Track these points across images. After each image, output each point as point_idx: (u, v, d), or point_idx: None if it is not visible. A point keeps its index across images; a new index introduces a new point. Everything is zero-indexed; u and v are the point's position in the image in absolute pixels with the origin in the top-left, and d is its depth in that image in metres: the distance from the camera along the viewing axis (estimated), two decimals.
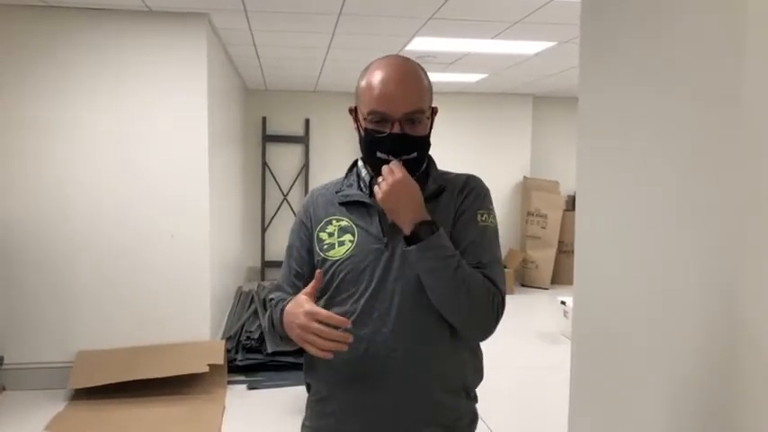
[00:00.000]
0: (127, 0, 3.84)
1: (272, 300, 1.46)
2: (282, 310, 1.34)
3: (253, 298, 5.59)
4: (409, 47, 5.00)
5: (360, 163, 1.49)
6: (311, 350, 1.24)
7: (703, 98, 1.44)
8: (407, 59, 1.41)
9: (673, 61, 1.56)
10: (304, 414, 1.50)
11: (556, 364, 3.79)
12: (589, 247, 2.04)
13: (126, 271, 4.22)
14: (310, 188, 7.59)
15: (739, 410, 1.32)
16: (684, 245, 1.52)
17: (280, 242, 7.51)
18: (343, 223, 1.42)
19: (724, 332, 1.37)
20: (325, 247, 1.41)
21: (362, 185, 1.45)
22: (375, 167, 1.39)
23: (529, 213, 7.86)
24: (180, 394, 3.97)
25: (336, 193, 1.46)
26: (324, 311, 1.24)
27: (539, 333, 5.46)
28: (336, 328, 1.23)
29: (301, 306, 1.26)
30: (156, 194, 4.22)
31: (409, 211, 1.30)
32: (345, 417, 1.38)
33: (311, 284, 1.31)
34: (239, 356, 4.46)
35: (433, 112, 1.43)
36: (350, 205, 1.43)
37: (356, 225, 1.40)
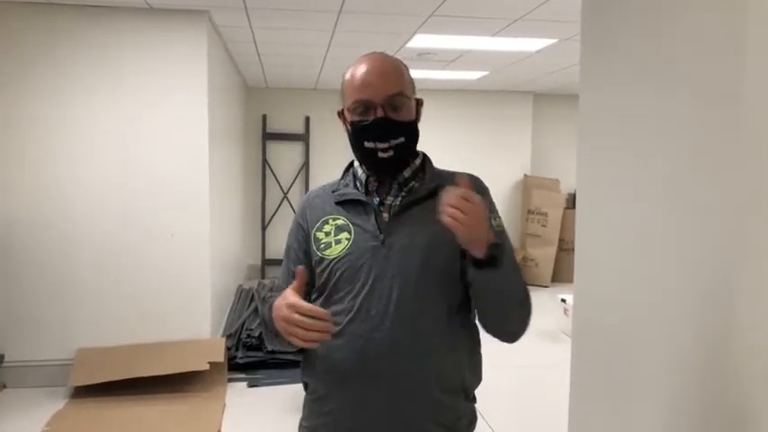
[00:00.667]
0: None
1: (269, 298, 1.47)
2: (272, 306, 1.35)
3: (253, 296, 5.59)
4: (410, 44, 4.99)
5: (356, 163, 1.50)
6: (295, 341, 1.25)
7: (704, 97, 1.44)
8: (387, 54, 1.45)
9: (673, 60, 1.56)
10: (301, 414, 1.50)
11: (556, 363, 3.79)
12: (589, 246, 2.04)
13: (126, 269, 4.22)
14: (311, 186, 7.60)
15: (739, 409, 1.32)
16: (684, 243, 1.52)
17: (280, 240, 7.50)
18: (340, 222, 1.42)
19: (724, 331, 1.37)
20: (322, 246, 1.42)
21: (359, 185, 1.46)
22: (364, 159, 1.42)
23: (529, 211, 7.86)
24: (180, 392, 3.98)
25: (333, 192, 1.47)
26: (305, 304, 1.25)
27: (539, 331, 5.46)
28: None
29: (286, 299, 1.27)
30: (157, 192, 4.21)
31: (485, 234, 1.24)
32: (343, 416, 1.37)
33: (296, 281, 1.32)
34: (240, 354, 4.46)
35: (419, 103, 1.45)
36: (346, 204, 1.44)
37: (352, 223, 1.41)
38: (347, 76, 1.41)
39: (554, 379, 3.55)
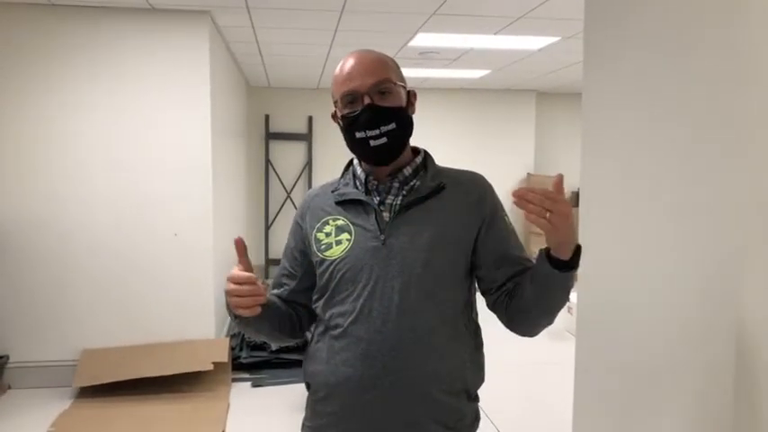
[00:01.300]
0: None
1: None
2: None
3: None
4: (412, 43, 4.98)
5: (355, 161, 1.49)
6: (243, 312, 1.28)
7: (709, 92, 1.44)
8: (370, 49, 1.46)
9: (677, 57, 1.55)
10: (304, 414, 1.50)
11: (560, 361, 3.79)
12: (593, 244, 2.03)
13: (130, 269, 4.23)
14: (313, 185, 7.60)
15: (743, 406, 1.32)
16: (688, 241, 1.51)
17: (283, 240, 7.42)
18: (340, 222, 1.41)
19: (728, 329, 1.36)
20: (323, 247, 1.41)
21: (358, 184, 1.45)
22: (358, 150, 1.41)
23: None
24: (184, 392, 3.98)
25: (333, 192, 1.46)
26: (236, 272, 1.29)
27: (543, 330, 5.45)
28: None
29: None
30: (160, 192, 4.22)
31: (573, 235, 1.22)
32: (345, 416, 1.37)
33: (239, 257, 1.34)
34: (244, 354, 4.46)
35: (411, 94, 1.44)
36: (346, 204, 1.42)
37: (353, 223, 1.40)
38: (334, 74, 1.42)
39: (558, 377, 3.55)
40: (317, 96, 7.82)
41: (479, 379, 1.45)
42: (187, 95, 4.21)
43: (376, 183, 1.42)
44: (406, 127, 1.39)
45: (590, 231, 2.06)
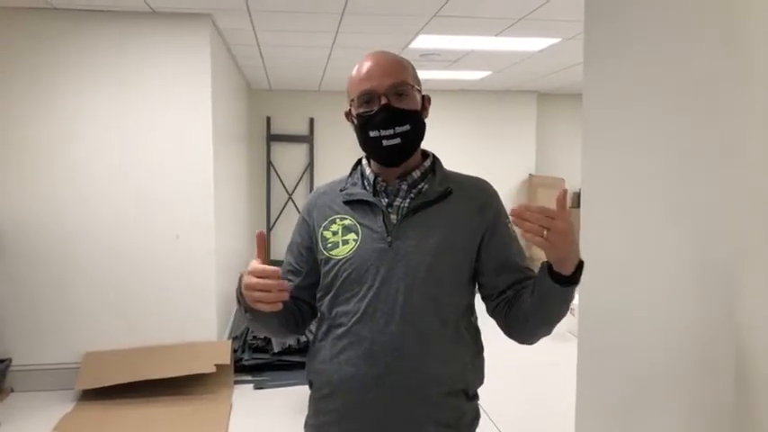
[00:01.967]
0: (130, 1, 3.85)
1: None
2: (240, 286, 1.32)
3: None
4: (413, 45, 4.99)
5: (363, 162, 1.49)
6: (263, 308, 1.25)
7: (709, 93, 1.44)
8: (390, 51, 1.45)
9: (677, 58, 1.56)
10: (307, 412, 1.51)
11: (562, 362, 3.78)
12: (594, 244, 2.03)
13: (132, 271, 4.23)
14: (315, 187, 7.57)
15: (745, 408, 1.32)
16: (689, 242, 1.51)
17: (285, 241, 7.43)
18: (347, 222, 1.42)
19: (729, 330, 1.36)
20: (329, 245, 1.41)
21: (366, 184, 1.45)
22: (370, 149, 1.41)
23: None
24: (187, 394, 3.98)
25: (340, 191, 1.47)
26: (257, 264, 1.26)
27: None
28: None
29: (248, 269, 1.27)
30: (162, 194, 4.23)
31: (574, 253, 1.22)
32: (347, 414, 1.38)
33: (256, 252, 1.32)
34: (246, 356, 4.47)
35: (426, 99, 1.45)
36: (354, 204, 1.43)
37: (360, 224, 1.40)
38: (352, 73, 1.42)
39: (560, 378, 3.54)
40: (319, 98, 7.83)
41: (479, 380, 1.46)
42: (188, 98, 4.22)
43: (384, 184, 1.43)
44: (420, 130, 1.40)
45: (591, 232, 2.06)
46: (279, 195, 7.92)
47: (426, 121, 1.44)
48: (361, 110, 1.39)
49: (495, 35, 4.69)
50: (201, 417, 3.75)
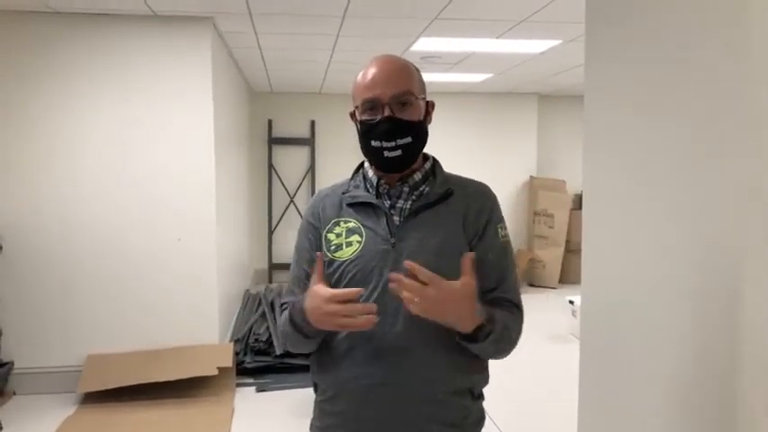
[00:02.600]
0: (132, 5, 3.86)
1: (284, 304, 1.47)
2: (303, 310, 1.34)
3: (260, 300, 5.60)
4: (414, 47, 5.00)
5: (366, 164, 1.50)
6: (354, 328, 1.28)
7: (710, 94, 1.44)
8: (398, 56, 1.45)
9: (678, 59, 1.56)
10: (312, 414, 1.51)
11: (564, 364, 3.78)
12: (596, 246, 2.03)
13: (134, 274, 4.24)
14: (317, 190, 7.57)
15: (747, 411, 1.32)
16: (692, 243, 1.51)
17: (287, 244, 7.52)
18: (351, 224, 1.42)
19: (734, 331, 1.36)
20: (333, 247, 1.42)
21: (369, 187, 1.46)
22: (371, 157, 1.42)
23: (536, 213, 7.85)
24: (189, 397, 3.99)
25: (343, 194, 1.47)
26: (339, 291, 1.29)
27: (547, 333, 5.45)
28: (357, 301, 1.28)
29: (319, 296, 1.29)
30: (163, 197, 4.23)
31: (463, 317, 1.28)
32: (353, 415, 1.38)
33: (316, 274, 1.33)
34: (248, 359, 4.47)
35: (429, 105, 1.45)
36: (357, 206, 1.44)
37: (364, 226, 1.41)
38: (358, 76, 1.42)
39: (562, 380, 3.54)
40: (320, 101, 7.84)
41: (484, 379, 1.47)
42: (190, 101, 4.23)
43: (387, 187, 1.44)
44: (421, 140, 1.42)
45: (593, 234, 2.06)
46: (280, 198, 7.92)
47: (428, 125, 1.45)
48: (365, 117, 1.39)
49: (497, 37, 4.69)
50: (204, 419, 3.75)
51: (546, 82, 7.05)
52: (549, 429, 3.62)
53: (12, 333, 4.12)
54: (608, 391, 1.95)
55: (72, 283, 4.18)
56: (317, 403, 1.48)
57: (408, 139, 1.37)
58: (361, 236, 1.40)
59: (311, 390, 1.52)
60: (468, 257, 1.27)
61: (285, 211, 7.89)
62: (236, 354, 4.44)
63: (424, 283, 1.22)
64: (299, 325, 1.36)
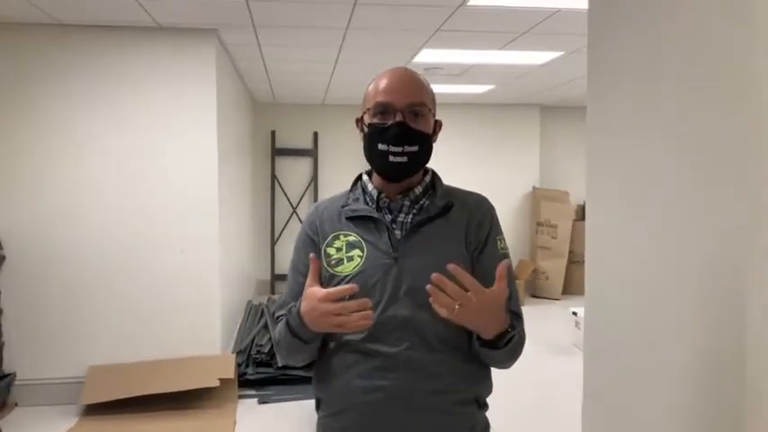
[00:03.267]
0: (137, 17, 3.88)
1: (279, 317, 1.45)
2: (299, 314, 1.32)
3: (263, 311, 5.59)
4: (417, 59, 5.02)
5: (365, 177, 1.50)
6: (350, 330, 1.27)
7: (712, 105, 1.44)
8: (411, 69, 1.47)
9: (680, 69, 1.56)
10: (315, 430, 1.49)
11: (568, 376, 3.76)
12: (600, 257, 2.03)
13: (136, 285, 4.23)
14: (319, 200, 7.56)
15: (754, 423, 1.30)
16: (696, 254, 1.51)
17: (289, 255, 7.46)
18: (351, 238, 1.41)
19: (740, 344, 1.35)
20: (333, 262, 1.40)
21: (369, 200, 1.45)
22: (376, 161, 1.41)
23: (539, 224, 7.84)
24: (191, 408, 3.97)
25: (342, 207, 1.46)
26: (333, 289, 1.27)
27: (551, 344, 5.42)
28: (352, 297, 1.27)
29: (314, 297, 1.28)
30: (166, 208, 4.24)
31: (495, 323, 1.29)
32: (360, 430, 1.37)
33: (310, 277, 1.32)
34: (250, 370, 4.45)
35: (437, 123, 1.46)
36: (357, 220, 1.43)
37: (364, 240, 1.40)
38: (372, 83, 1.43)
39: (566, 392, 3.52)
40: (323, 112, 7.87)
41: (488, 388, 1.46)
42: (194, 112, 4.24)
43: (387, 200, 1.44)
44: (427, 153, 1.42)
45: (596, 244, 2.06)
46: (283, 209, 7.94)
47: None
48: (375, 120, 1.39)
49: (499, 49, 4.71)
50: (206, 431, 3.73)
51: (548, 93, 7.06)
52: None
53: (14, 344, 4.12)
54: (612, 403, 1.94)
55: (74, 294, 4.18)
56: (321, 419, 1.46)
57: (415, 148, 1.38)
58: (362, 250, 1.39)
59: (313, 402, 1.51)
60: (504, 265, 1.26)
61: (288, 221, 7.90)
62: (239, 365, 4.43)
63: (465, 289, 1.20)
64: (296, 330, 1.35)
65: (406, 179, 1.42)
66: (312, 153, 7.95)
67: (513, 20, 3.90)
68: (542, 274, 7.73)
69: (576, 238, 7.52)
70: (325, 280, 1.41)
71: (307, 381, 1.66)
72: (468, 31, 4.16)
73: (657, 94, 1.66)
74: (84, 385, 4.02)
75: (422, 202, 1.44)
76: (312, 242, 1.46)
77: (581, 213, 7.60)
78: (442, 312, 1.21)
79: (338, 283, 1.38)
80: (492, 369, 1.48)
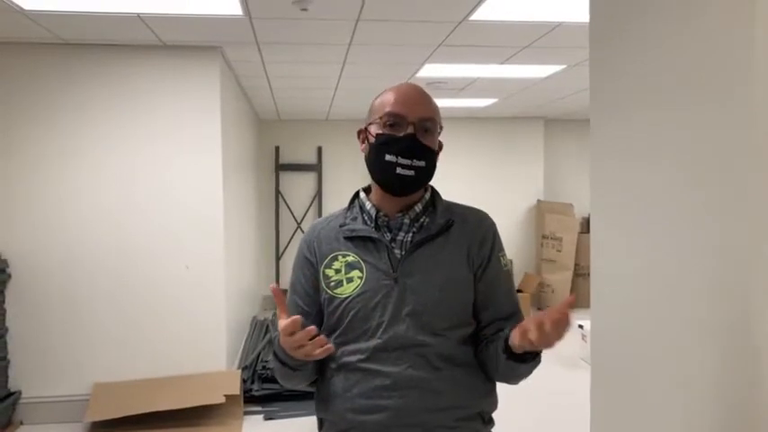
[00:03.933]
0: (141, 35, 3.92)
1: (275, 338, 1.45)
2: (281, 344, 1.32)
3: (268, 327, 5.58)
4: (420, 74, 5.04)
5: (362, 195, 1.47)
6: (314, 357, 1.25)
7: (715, 117, 1.44)
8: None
9: (682, 80, 1.56)
10: None
11: (575, 390, 3.73)
12: (605, 270, 2.02)
13: (141, 302, 4.23)
14: (323, 215, 7.57)
15: None
16: (703, 266, 1.50)
17: None
18: (350, 258, 1.39)
19: (750, 356, 1.34)
20: (333, 284, 1.39)
21: (367, 219, 1.43)
22: (382, 172, 1.38)
23: (544, 236, 7.82)
24: (196, 425, 3.95)
25: (340, 227, 1.43)
26: (285, 323, 1.24)
27: (557, 358, 5.38)
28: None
29: (280, 329, 1.27)
30: (171, 225, 4.25)
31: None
32: None
33: (278, 309, 1.30)
34: (255, 386, 4.43)
35: (440, 145, 1.44)
36: (356, 240, 1.40)
37: (364, 260, 1.38)
38: (381, 96, 1.42)
39: (573, 406, 3.49)
40: (327, 127, 7.91)
41: (493, 403, 1.46)
42: (198, 129, 4.27)
43: (386, 219, 1.41)
44: (432, 170, 1.41)
45: (601, 257, 2.05)
46: (288, 224, 7.95)
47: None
48: (385, 131, 1.37)
49: (502, 63, 4.73)
50: None
51: (552, 106, 7.08)
52: None
53: (19, 362, 4.12)
54: (620, 416, 1.92)
55: (79, 312, 4.18)
56: None
57: (423, 163, 1.36)
58: (361, 271, 1.37)
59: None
60: (572, 298, 1.24)
61: (292, 237, 7.90)
62: (244, 381, 4.41)
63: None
64: (282, 358, 1.34)
65: (409, 194, 1.40)
66: (316, 168, 7.97)
67: (515, 34, 3.92)
68: (548, 287, 7.69)
69: (582, 250, 7.49)
70: (325, 302, 1.40)
71: (313, 397, 1.64)
72: (471, 45, 4.18)
73: (660, 107, 1.66)
74: (89, 402, 4.01)
75: (422, 219, 1.41)
76: (310, 263, 1.44)
77: (586, 226, 7.57)
78: (539, 343, 1.19)
79: (338, 305, 1.37)
80: (497, 384, 1.47)
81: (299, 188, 7.98)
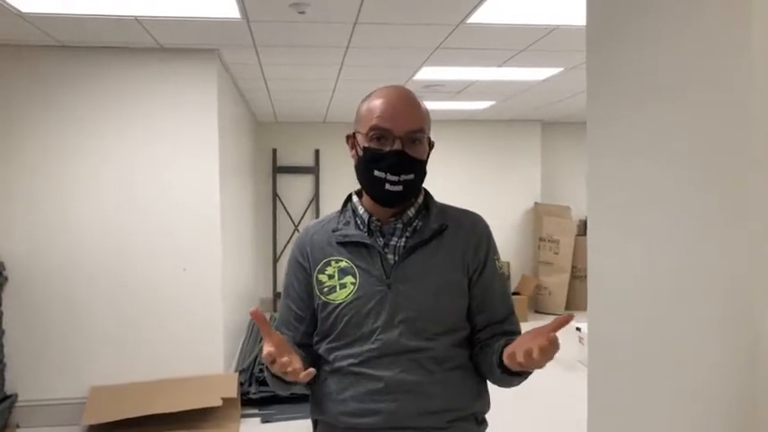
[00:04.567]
0: (138, 38, 3.92)
1: None
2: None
3: None
4: (417, 77, 5.05)
5: (354, 198, 1.46)
6: (301, 379, 1.23)
7: (712, 119, 1.45)
8: (410, 90, 1.43)
9: (679, 82, 1.57)
10: None
11: (572, 392, 3.73)
12: (602, 272, 2.02)
13: (138, 305, 4.23)
14: (321, 217, 7.56)
15: None
16: (700, 268, 1.50)
17: None
18: (343, 264, 1.38)
19: (747, 359, 1.34)
20: (326, 290, 1.38)
21: (360, 224, 1.42)
22: (371, 187, 1.38)
23: (541, 239, 7.82)
24: (193, 428, 3.94)
25: (333, 231, 1.42)
26: (265, 351, 1.22)
27: (554, 361, 5.35)
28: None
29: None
30: (169, 227, 4.24)
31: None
32: None
33: (262, 331, 1.26)
34: (252, 389, 4.43)
35: (430, 144, 1.42)
36: (349, 245, 1.39)
37: (357, 266, 1.37)
38: (368, 102, 1.39)
39: (570, 409, 3.49)
40: (324, 130, 7.91)
41: (486, 404, 1.46)
42: (196, 132, 4.26)
43: (379, 224, 1.40)
44: (422, 178, 1.40)
45: (598, 260, 2.05)
46: (285, 226, 7.94)
47: (431, 150, 1.44)
48: (372, 145, 1.35)
49: (499, 66, 4.74)
50: None
51: (549, 109, 7.09)
52: None
53: (15, 365, 4.10)
54: (617, 419, 1.92)
55: (76, 314, 4.17)
56: None
57: (411, 176, 1.35)
58: (354, 276, 1.36)
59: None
60: (564, 318, 1.21)
61: (290, 239, 7.89)
62: (241, 384, 4.40)
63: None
64: (277, 373, 1.32)
65: (398, 206, 1.39)
66: (313, 170, 7.97)
67: (512, 37, 3.93)
68: (545, 289, 7.70)
69: (579, 253, 7.50)
70: (318, 307, 1.39)
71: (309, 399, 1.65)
72: (469, 48, 4.19)
73: (657, 109, 1.67)
74: (86, 405, 4.00)
75: (415, 223, 1.40)
76: (303, 268, 1.44)
77: (583, 228, 7.59)
78: (540, 360, 1.19)
79: (332, 311, 1.36)
80: (490, 385, 1.47)
81: (296, 190, 7.98)
